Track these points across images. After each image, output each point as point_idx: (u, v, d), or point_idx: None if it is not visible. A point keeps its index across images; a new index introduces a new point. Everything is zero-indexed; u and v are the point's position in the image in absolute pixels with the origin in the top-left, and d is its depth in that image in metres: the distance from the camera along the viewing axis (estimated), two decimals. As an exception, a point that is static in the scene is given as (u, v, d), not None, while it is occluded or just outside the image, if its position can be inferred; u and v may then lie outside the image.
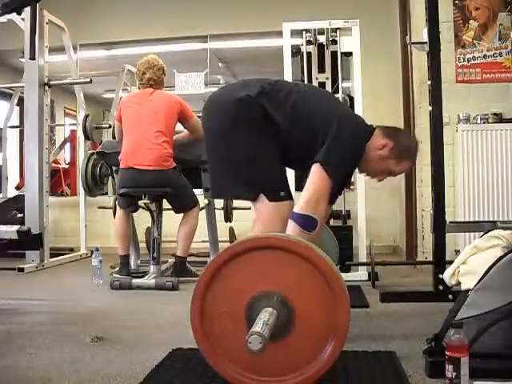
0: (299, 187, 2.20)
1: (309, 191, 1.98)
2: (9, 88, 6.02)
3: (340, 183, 2.12)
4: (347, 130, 2.06)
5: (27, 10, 2.51)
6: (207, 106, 2.22)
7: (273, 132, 2.08)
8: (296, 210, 1.98)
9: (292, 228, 1.95)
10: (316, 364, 1.50)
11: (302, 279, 1.51)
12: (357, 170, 2.25)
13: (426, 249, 3.79)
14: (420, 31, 3.39)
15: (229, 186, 2.12)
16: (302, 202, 1.97)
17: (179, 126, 3.67)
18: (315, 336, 1.49)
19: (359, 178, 3.64)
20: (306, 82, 3.84)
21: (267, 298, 1.49)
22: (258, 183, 2.07)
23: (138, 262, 4.10)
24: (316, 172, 1.99)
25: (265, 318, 1.40)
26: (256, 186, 2.06)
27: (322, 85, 3.80)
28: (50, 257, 4.47)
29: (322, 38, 3.82)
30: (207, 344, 1.55)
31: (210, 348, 1.56)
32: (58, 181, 6.71)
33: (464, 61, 3.90)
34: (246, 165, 2.08)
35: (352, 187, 4.96)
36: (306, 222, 1.95)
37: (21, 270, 4.03)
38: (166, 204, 3.66)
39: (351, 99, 3.74)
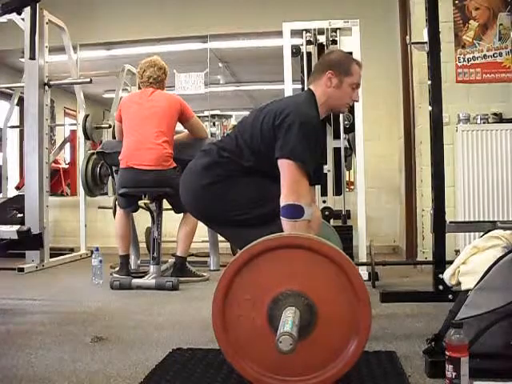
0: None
1: (284, 184, 1.99)
2: (9, 88, 6.01)
3: (314, 158, 2.10)
4: (286, 113, 2.06)
5: (27, 10, 2.51)
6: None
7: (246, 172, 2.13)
8: (280, 204, 1.99)
9: (284, 223, 1.97)
10: (338, 363, 1.49)
11: (326, 279, 1.51)
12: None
13: (425, 249, 3.79)
14: (420, 31, 3.38)
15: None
16: (281, 196, 1.99)
17: (179, 126, 3.67)
18: (337, 335, 1.49)
19: (359, 179, 3.64)
20: (305, 82, 3.84)
21: (292, 297, 1.49)
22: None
23: (138, 262, 4.10)
24: (281, 166, 2.01)
25: (292, 317, 1.40)
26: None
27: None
28: (50, 257, 4.47)
29: (322, 38, 3.82)
30: (228, 344, 1.55)
31: (231, 349, 1.55)
32: (58, 181, 6.71)
33: (464, 61, 3.90)
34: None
35: (352, 187, 4.97)
36: (292, 211, 1.97)
37: (21, 270, 4.03)
38: (166, 204, 3.66)
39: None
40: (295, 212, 1.97)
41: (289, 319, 1.39)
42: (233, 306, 1.54)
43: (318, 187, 3.69)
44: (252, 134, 2.13)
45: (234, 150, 2.14)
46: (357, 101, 2.31)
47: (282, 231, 1.94)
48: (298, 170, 1.99)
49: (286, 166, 2.00)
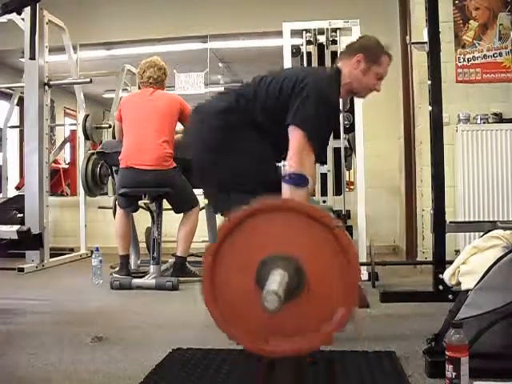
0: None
1: (291, 152, 1.99)
2: (9, 88, 6.02)
3: (324, 136, 2.11)
4: (306, 83, 2.05)
5: (27, 10, 2.51)
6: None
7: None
8: (285, 171, 1.99)
9: (285, 189, 1.97)
10: (328, 326, 1.49)
11: (316, 243, 1.50)
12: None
13: (425, 249, 3.79)
14: (420, 31, 3.39)
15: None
16: (287, 164, 1.99)
17: (179, 126, 3.67)
18: (327, 298, 1.49)
19: (359, 179, 3.64)
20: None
21: (280, 259, 1.48)
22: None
23: (138, 262, 4.09)
24: (291, 134, 2.00)
25: (278, 278, 1.40)
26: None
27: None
28: (50, 257, 4.47)
29: (322, 38, 3.82)
30: (218, 311, 1.54)
31: (221, 315, 1.54)
32: (58, 181, 6.72)
33: (464, 61, 3.90)
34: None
35: (352, 187, 4.97)
36: (296, 180, 1.97)
37: (21, 270, 4.03)
38: (166, 204, 3.66)
39: (351, 99, 3.73)
40: (299, 181, 1.97)
41: (276, 278, 1.39)
42: (222, 271, 1.53)
43: (317, 187, 3.69)
44: (268, 92, 2.10)
45: (251, 99, 2.11)
46: (378, 91, 2.32)
47: None
48: (306, 141, 1.98)
49: (295, 135, 1.99)
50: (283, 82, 2.09)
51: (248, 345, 1.52)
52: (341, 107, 3.65)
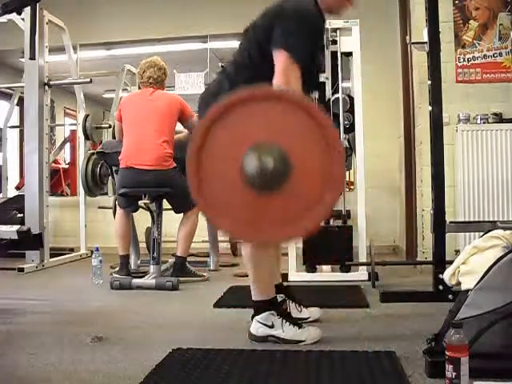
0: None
1: (276, 74, 1.95)
2: (9, 88, 6.02)
3: (309, 53, 2.06)
4: (285, 6, 2.06)
5: (27, 10, 2.51)
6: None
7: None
8: None
9: None
10: (314, 212, 1.48)
11: (300, 130, 1.50)
12: None
13: (425, 249, 3.79)
14: (420, 31, 3.39)
15: None
16: (273, 85, 1.94)
17: (179, 126, 3.67)
18: (312, 185, 1.49)
19: (359, 179, 3.64)
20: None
21: (265, 147, 1.48)
22: None
23: (138, 262, 4.10)
24: (275, 58, 1.98)
25: (262, 159, 1.40)
26: None
27: (322, 85, 3.79)
28: (50, 257, 4.47)
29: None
30: (204, 201, 1.54)
31: (208, 206, 1.54)
32: (58, 181, 6.72)
33: (464, 61, 3.90)
34: None
35: (352, 187, 4.97)
36: None
37: (21, 270, 4.03)
38: (166, 204, 3.66)
39: (351, 99, 3.74)
40: None
41: (258, 157, 1.40)
42: (207, 159, 1.53)
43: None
44: (256, 30, 2.12)
45: (235, 64, 2.14)
46: (352, 4, 2.26)
47: None
48: (290, 59, 1.95)
49: (279, 57, 1.97)
50: (265, 14, 2.11)
51: (236, 232, 1.51)
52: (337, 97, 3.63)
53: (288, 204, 1.48)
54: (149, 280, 3.38)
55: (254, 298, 2.11)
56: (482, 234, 2.06)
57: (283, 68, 1.95)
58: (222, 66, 2.26)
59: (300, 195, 1.48)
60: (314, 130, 1.47)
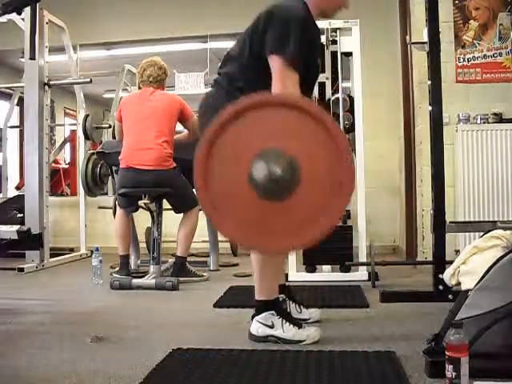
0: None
1: (273, 82, 1.96)
2: (9, 88, 6.02)
3: (304, 55, 2.05)
4: (276, 11, 2.07)
5: (27, 10, 2.51)
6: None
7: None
8: None
9: None
10: (322, 220, 1.47)
11: (309, 137, 1.49)
12: None
13: (425, 249, 3.79)
14: (420, 31, 3.39)
15: None
16: (272, 92, 1.95)
17: (179, 126, 3.67)
18: (320, 192, 1.48)
19: (359, 179, 3.64)
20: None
21: (274, 153, 1.47)
22: None
23: (138, 262, 4.10)
24: (271, 63, 1.99)
25: (273, 163, 1.39)
26: None
27: (322, 85, 3.79)
28: (50, 257, 4.47)
29: (322, 38, 3.81)
30: (212, 206, 1.52)
31: (214, 211, 1.53)
32: (58, 181, 6.72)
33: (464, 61, 3.90)
34: None
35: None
36: None
37: (21, 270, 4.03)
38: (166, 204, 3.66)
39: (351, 99, 3.74)
40: None
41: (267, 164, 1.39)
42: (215, 164, 1.51)
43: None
44: (248, 36, 2.11)
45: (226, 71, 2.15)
46: (346, 7, 2.25)
47: None
48: (286, 63, 1.96)
49: (274, 63, 1.98)
50: (258, 21, 2.10)
51: (241, 239, 1.49)
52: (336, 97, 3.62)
53: (295, 212, 1.47)
54: (149, 280, 3.38)
55: (256, 297, 2.12)
56: (482, 234, 2.06)
57: (280, 74, 1.96)
58: (215, 81, 2.24)
59: (308, 203, 1.47)
60: (324, 137, 1.47)
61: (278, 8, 2.08)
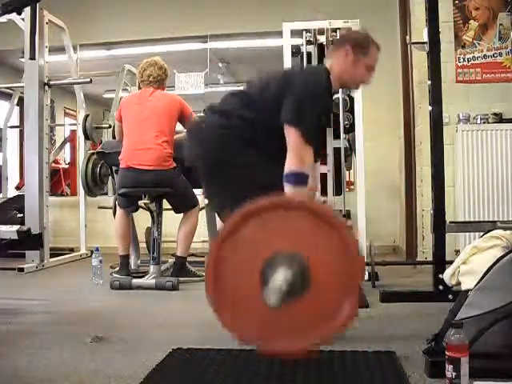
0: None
1: (289, 151, 1.99)
2: (9, 88, 6.01)
3: (320, 128, 2.14)
4: (298, 80, 2.09)
5: (27, 10, 2.52)
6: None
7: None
8: (285, 170, 1.99)
9: (287, 188, 1.96)
10: (330, 325, 1.48)
11: (317, 238, 1.50)
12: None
13: (425, 249, 3.79)
14: (420, 31, 3.39)
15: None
16: (286, 162, 1.99)
17: (179, 126, 3.66)
18: (331, 297, 1.49)
19: (359, 179, 3.64)
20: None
21: (286, 257, 1.48)
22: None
23: (138, 262, 4.09)
24: (287, 132, 2.01)
25: (282, 275, 1.39)
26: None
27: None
28: (50, 257, 4.47)
29: (322, 38, 3.81)
30: (221, 304, 1.54)
31: (224, 309, 1.54)
32: (58, 181, 6.71)
33: (464, 61, 3.90)
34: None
35: (352, 187, 4.97)
36: (297, 178, 1.97)
37: (21, 270, 4.03)
38: (166, 204, 3.66)
39: (351, 99, 3.74)
40: (299, 179, 1.96)
41: (280, 276, 1.38)
42: (225, 270, 1.52)
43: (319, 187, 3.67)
44: (262, 96, 2.12)
45: (249, 118, 2.13)
46: (368, 83, 2.32)
47: None
48: (304, 137, 1.98)
49: (291, 133, 2.00)
50: (276, 86, 2.11)
51: (247, 337, 1.50)
52: (337, 98, 3.64)
53: (305, 315, 1.49)
54: (149, 280, 3.38)
55: None
56: (482, 234, 2.07)
57: (297, 148, 1.98)
58: (220, 111, 2.21)
59: (317, 307, 1.49)
60: (336, 242, 1.49)
61: (302, 75, 2.10)
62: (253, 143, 2.10)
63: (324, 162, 3.66)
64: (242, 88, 2.33)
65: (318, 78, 2.13)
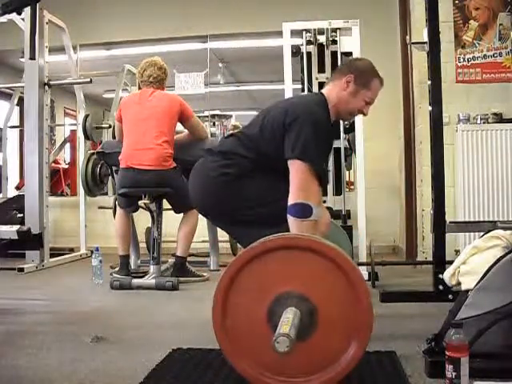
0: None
1: (293, 183, 1.98)
2: (9, 88, 6.02)
3: (323, 159, 2.12)
4: (297, 113, 2.06)
5: (27, 10, 2.51)
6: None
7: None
8: (288, 202, 1.98)
9: (291, 221, 1.96)
10: (339, 365, 1.49)
11: (326, 280, 1.51)
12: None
13: (425, 249, 3.79)
14: (420, 31, 3.38)
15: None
16: (290, 194, 1.98)
17: (179, 126, 3.67)
18: (338, 338, 1.49)
19: (359, 179, 3.64)
20: (305, 81, 3.84)
21: (292, 298, 1.48)
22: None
23: (138, 262, 4.10)
24: (291, 166, 2.00)
25: (290, 318, 1.39)
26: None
27: (322, 85, 3.79)
28: (50, 257, 4.47)
29: (322, 38, 3.82)
30: (227, 340, 1.55)
31: (229, 345, 1.55)
32: (58, 181, 6.71)
33: (464, 61, 3.90)
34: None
35: (352, 187, 4.97)
36: (301, 210, 1.96)
37: (21, 270, 4.03)
38: (166, 204, 3.66)
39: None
40: (303, 211, 1.95)
41: (288, 320, 1.39)
42: (232, 307, 1.54)
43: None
44: (261, 134, 2.10)
45: (243, 149, 2.12)
46: (365, 115, 2.29)
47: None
48: (308, 169, 1.97)
49: (296, 167, 1.99)
50: (273, 120, 2.09)
51: (253, 379, 1.52)
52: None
53: (312, 355, 1.49)
54: (149, 280, 3.38)
55: None
56: (482, 234, 2.06)
57: (303, 181, 1.97)
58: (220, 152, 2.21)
59: (325, 348, 1.49)
60: (344, 284, 1.49)
61: (302, 107, 2.08)
62: (253, 178, 2.09)
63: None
64: (240, 130, 2.33)
65: (318, 110, 2.10)
